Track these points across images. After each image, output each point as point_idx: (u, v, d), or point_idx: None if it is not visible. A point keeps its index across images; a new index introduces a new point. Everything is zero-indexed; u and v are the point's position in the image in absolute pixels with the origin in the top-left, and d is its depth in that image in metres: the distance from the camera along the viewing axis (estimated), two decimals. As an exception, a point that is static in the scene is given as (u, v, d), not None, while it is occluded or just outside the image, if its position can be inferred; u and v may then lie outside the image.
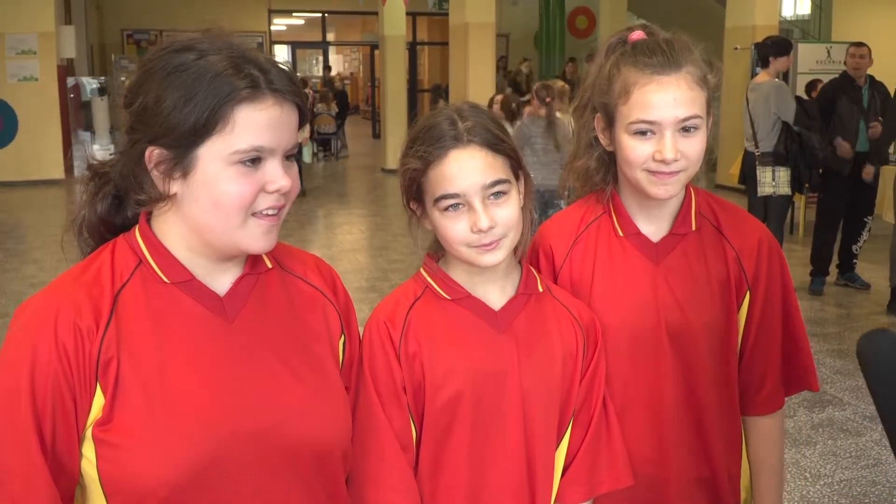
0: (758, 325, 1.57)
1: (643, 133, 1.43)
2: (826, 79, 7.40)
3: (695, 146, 1.44)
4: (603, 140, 1.53)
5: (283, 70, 1.15)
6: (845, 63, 6.85)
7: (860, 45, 6.79)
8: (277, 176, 1.13)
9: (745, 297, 1.57)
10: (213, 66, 1.10)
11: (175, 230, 1.16)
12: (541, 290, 1.44)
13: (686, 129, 1.43)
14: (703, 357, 1.53)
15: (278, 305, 1.24)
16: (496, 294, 1.40)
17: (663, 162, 1.42)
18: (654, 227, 1.56)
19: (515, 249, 1.40)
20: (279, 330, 1.22)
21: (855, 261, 6.73)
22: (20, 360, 1.08)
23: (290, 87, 1.14)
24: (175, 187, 1.13)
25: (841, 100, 6.53)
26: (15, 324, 1.12)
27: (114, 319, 1.12)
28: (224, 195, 1.11)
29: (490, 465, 1.36)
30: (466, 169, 1.31)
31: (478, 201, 1.31)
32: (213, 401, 1.13)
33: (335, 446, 1.24)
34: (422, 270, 1.44)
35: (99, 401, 1.10)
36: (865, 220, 6.61)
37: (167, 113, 1.09)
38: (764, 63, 6.30)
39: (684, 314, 1.51)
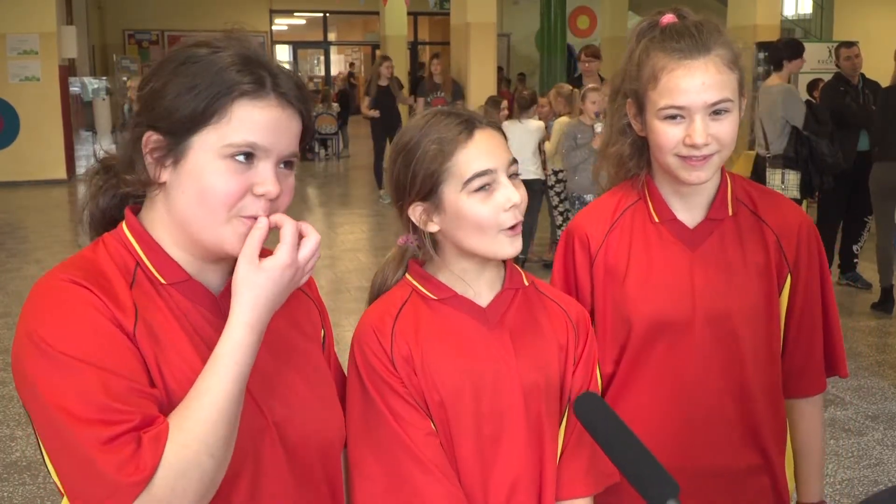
0: (801, 308, 1.57)
1: (673, 118, 1.43)
2: (828, 78, 7.38)
3: (726, 129, 1.43)
4: (635, 126, 1.52)
5: (291, 77, 1.15)
6: (838, 66, 6.83)
7: (850, 44, 6.77)
8: (267, 179, 1.11)
9: (786, 280, 1.56)
10: (222, 60, 1.11)
11: (164, 223, 1.15)
12: (526, 283, 1.44)
13: (717, 113, 1.42)
14: (743, 344, 1.52)
15: None
16: (484, 291, 1.40)
17: (693, 146, 1.41)
18: (689, 212, 1.55)
19: None
20: (272, 328, 1.21)
21: (855, 260, 6.73)
22: (84, 297, 1.05)
23: (296, 94, 1.14)
24: (165, 175, 1.12)
25: (846, 102, 6.52)
26: (40, 290, 1.08)
27: (140, 318, 1.09)
28: (209, 188, 1.09)
29: (498, 459, 1.35)
30: (493, 146, 1.33)
31: (505, 177, 1.33)
32: None
33: (336, 439, 1.26)
34: (407, 275, 1.43)
35: None
36: (865, 220, 6.61)
37: (170, 98, 1.10)
38: (777, 66, 6.26)
39: (722, 301, 1.50)
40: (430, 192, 1.34)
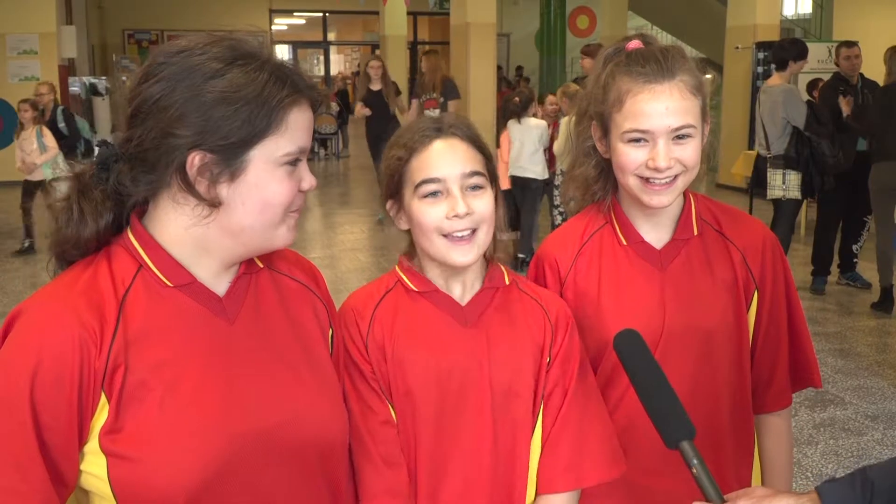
0: (766, 322, 1.58)
1: (636, 141, 1.45)
2: (827, 78, 7.38)
3: (689, 153, 1.45)
4: (600, 148, 1.55)
5: (298, 71, 1.18)
6: (837, 64, 6.83)
7: (851, 44, 6.77)
8: (307, 175, 1.19)
9: (753, 296, 1.57)
10: (254, 70, 1.12)
11: (194, 233, 1.15)
12: (507, 282, 1.47)
13: (679, 137, 1.44)
14: (716, 362, 1.53)
15: (272, 304, 1.25)
16: (464, 290, 1.43)
17: (656, 170, 1.43)
18: (656, 234, 1.57)
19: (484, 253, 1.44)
20: (276, 329, 1.23)
21: (855, 260, 6.73)
22: (21, 370, 1.04)
23: (310, 88, 1.18)
24: (223, 192, 1.12)
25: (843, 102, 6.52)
26: (14, 332, 1.09)
27: (121, 327, 1.10)
28: (275, 195, 1.14)
29: (455, 455, 1.37)
30: (448, 156, 1.38)
31: (456, 188, 1.37)
32: (224, 402, 1.13)
33: (338, 441, 1.26)
34: (396, 266, 1.48)
35: (104, 409, 1.08)
36: (865, 219, 6.61)
37: (219, 117, 1.09)
38: (781, 65, 6.25)
39: (693, 319, 1.52)
40: (395, 191, 1.42)
